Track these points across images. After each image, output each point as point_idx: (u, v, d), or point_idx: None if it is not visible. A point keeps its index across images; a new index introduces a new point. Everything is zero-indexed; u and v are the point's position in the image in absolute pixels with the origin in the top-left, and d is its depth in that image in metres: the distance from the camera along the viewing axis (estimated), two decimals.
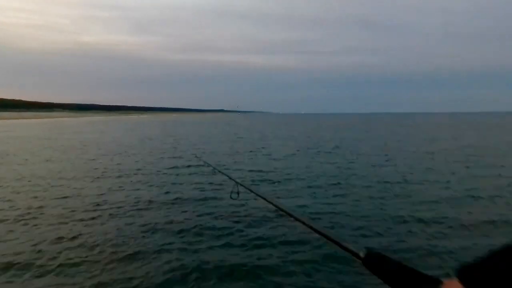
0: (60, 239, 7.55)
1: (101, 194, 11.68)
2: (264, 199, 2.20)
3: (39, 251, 6.96)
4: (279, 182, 13.63)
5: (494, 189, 12.08)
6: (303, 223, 1.63)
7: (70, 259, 6.52)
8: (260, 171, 16.14)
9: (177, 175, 15.24)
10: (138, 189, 12.52)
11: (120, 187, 12.93)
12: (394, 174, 15.18)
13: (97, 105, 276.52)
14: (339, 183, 13.31)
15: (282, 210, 1.91)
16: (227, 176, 3.80)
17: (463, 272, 0.85)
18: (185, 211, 9.66)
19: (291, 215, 1.77)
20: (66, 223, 8.65)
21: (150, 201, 10.67)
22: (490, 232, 7.95)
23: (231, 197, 3.00)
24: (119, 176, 14.96)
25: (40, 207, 10.07)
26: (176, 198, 11.01)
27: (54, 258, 6.57)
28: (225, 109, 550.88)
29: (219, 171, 4.70)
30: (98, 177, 14.81)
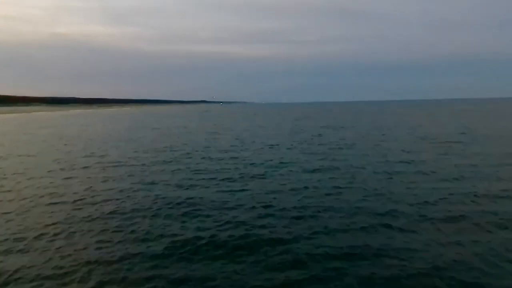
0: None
1: (76, 187, 13.11)
2: None
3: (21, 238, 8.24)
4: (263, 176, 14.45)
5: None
6: None
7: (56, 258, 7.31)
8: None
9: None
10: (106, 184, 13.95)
11: (98, 181, 14.34)
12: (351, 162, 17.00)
13: (77, 98, 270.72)
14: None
15: None
16: None
17: None
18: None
19: None
20: (49, 217, 9.66)
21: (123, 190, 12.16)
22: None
23: None
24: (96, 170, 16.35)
25: (19, 201, 11.27)
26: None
27: (42, 252, 7.50)
28: (207, 100, 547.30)
29: None
30: (72, 176, 15.97)
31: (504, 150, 19.25)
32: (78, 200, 11.11)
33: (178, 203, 10.52)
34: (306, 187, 12.16)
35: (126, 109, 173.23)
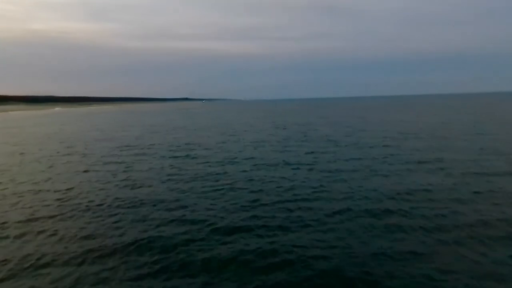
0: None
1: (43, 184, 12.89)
2: None
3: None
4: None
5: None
6: None
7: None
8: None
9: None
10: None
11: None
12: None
13: (55, 96, 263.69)
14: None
15: None
16: None
17: None
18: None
19: None
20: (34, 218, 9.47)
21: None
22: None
23: None
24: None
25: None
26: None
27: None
28: (189, 97, 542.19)
29: None
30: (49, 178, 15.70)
31: (477, 144, 19.85)
32: (59, 198, 11.07)
33: (169, 202, 10.55)
34: (285, 183, 12.35)
35: (106, 107, 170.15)
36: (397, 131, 27.59)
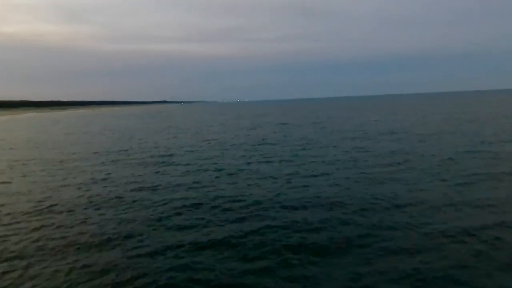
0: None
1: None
2: None
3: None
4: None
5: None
6: None
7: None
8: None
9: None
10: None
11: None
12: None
13: (29, 101, 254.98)
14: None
15: None
16: None
17: None
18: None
19: None
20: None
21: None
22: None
23: None
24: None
25: None
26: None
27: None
28: (167, 100, 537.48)
29: None
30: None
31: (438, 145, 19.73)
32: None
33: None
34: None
35: (82, 111, 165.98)
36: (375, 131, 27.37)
